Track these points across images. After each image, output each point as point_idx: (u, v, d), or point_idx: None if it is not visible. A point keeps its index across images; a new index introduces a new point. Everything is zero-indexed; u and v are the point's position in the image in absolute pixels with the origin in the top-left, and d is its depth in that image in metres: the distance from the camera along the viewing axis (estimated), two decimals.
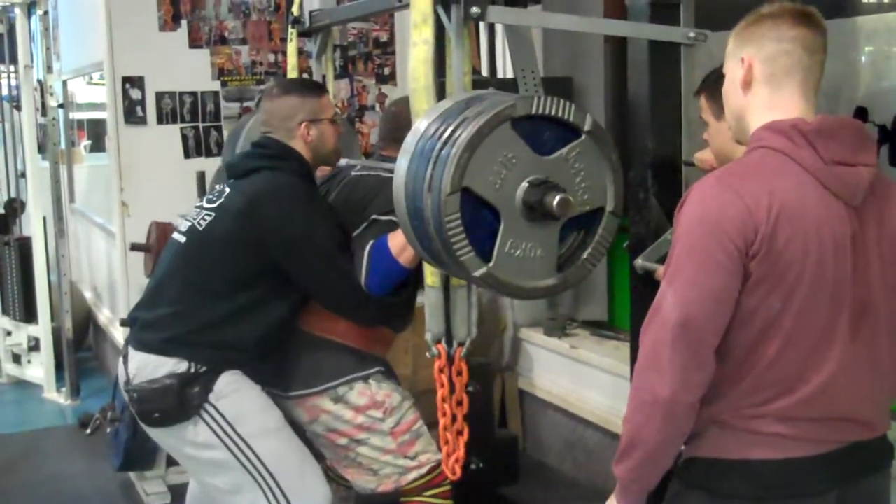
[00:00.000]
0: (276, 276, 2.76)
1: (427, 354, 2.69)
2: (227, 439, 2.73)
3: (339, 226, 2.83)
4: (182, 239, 2.84)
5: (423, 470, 2.92)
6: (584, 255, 2.15)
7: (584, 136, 2.05)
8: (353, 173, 3.00)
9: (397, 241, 2.67)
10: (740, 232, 1.70)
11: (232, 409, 2.73)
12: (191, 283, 2.79)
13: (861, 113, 3.00)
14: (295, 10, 3.47)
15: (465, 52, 2.34)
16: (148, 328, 2.79)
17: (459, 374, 2.63)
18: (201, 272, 2.78)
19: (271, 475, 2.74)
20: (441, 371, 2.61)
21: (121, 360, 2.87)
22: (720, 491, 1.83)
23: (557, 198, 2.01)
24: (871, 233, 1.79)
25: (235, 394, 2.75)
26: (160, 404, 2.71)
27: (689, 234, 1.75)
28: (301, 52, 4.55)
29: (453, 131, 2.02)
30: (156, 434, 2.87)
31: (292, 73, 3.63)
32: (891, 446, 1.94)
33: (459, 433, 2.67)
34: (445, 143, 2.02)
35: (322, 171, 3.06)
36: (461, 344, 2.67)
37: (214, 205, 2.80)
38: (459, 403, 2.64)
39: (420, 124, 2.16)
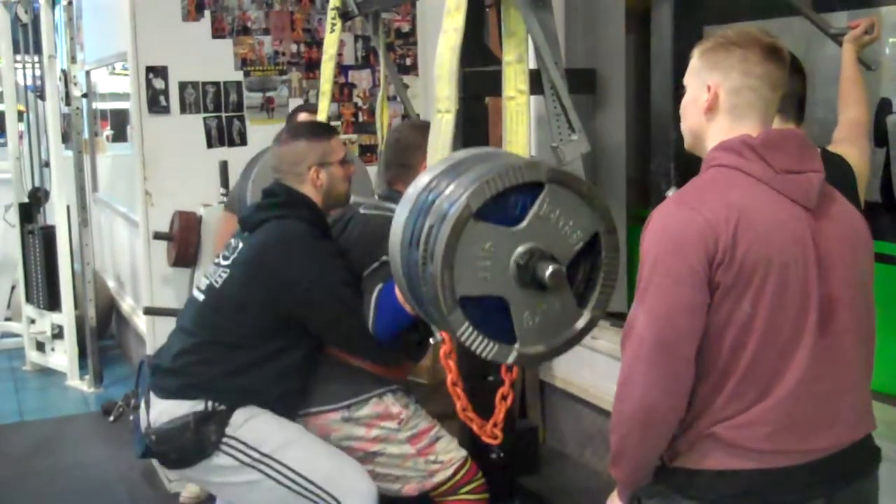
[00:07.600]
0: (297, 325, 2.76)
1: (430, 341, 2.69)
2: (255, 462, 2.72)
3: (351, 268, 2.79)
4: (201, 297, 2.85)
5: (449, 471, 2.88)
6: (601, 279, 2.15)
7: (546, 187, 2.05)
8: (361, 211, 2.93)
9: None
10: (702, 245, 1.76)
11: (250, 434, 2.73)
12: (211, 339, 2.79)
13: (885, 104, 2.99)
14: (336, 1, 3.47)
15: (527, 29, 2.36)
16: (170, 374, 2.80)
17: None
18: (221, 330, 2.79)
19: (310, 482, 2.73)
20: (447, 357, 2.62)
21: (142, 404, 2.86)
22: (703, 497, 1.85)
23: (548, 271, 2.00)
24: (829, 233, 1.84)
25: (250, 421, 2.75)
26: (177, 442, 2.72)
27: (653, 255, 1.81)
28: (317, 44, 4.56)
29: (426, 245, 2.01)
30: (182, 475, 2.86)
31: (329, 64, 3.64)
32: (877, 449, 1.96)
33: (504, 398, 2.66)
34: (425, 258, 2.01)
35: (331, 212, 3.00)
36: None
37: (229, 261, 2.81)
38: (510, 369, 2.64)
39: (421, 179, 2.17)
